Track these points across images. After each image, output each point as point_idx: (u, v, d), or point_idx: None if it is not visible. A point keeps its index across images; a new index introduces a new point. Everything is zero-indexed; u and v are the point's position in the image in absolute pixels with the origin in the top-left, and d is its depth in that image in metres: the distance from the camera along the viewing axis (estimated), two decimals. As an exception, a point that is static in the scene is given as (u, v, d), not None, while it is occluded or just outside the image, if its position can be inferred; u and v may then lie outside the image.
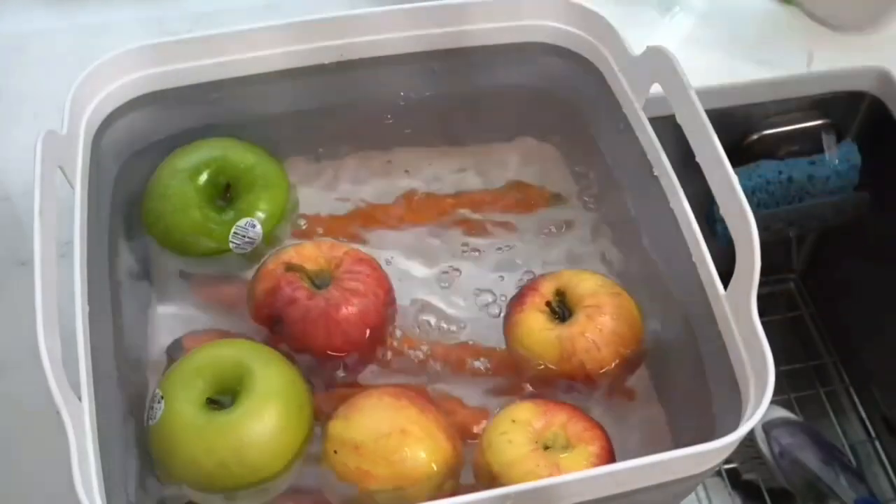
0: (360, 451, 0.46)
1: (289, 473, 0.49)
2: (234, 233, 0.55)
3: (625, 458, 0.41)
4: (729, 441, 0.41)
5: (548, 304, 0.53)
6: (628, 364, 0.52)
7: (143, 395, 0.54)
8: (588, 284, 0.53)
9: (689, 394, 0.52)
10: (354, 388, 0.53)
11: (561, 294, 0.53)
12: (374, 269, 0.54)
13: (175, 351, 0.54)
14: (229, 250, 0.55)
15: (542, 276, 0.55)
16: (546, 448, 0.47)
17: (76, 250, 0.47)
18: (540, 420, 0.48)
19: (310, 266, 0.53)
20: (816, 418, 0.86)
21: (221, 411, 0.47)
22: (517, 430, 0.48)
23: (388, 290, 0.54)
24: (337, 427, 0.48)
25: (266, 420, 0.47)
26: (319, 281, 0.53)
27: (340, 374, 0.53)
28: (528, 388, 0.53)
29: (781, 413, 0.80)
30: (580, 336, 0.51)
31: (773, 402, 0.43)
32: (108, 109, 0.55)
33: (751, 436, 0.78)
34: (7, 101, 0.69)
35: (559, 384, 0.52)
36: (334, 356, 0.52)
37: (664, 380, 0.55)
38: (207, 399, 0.48)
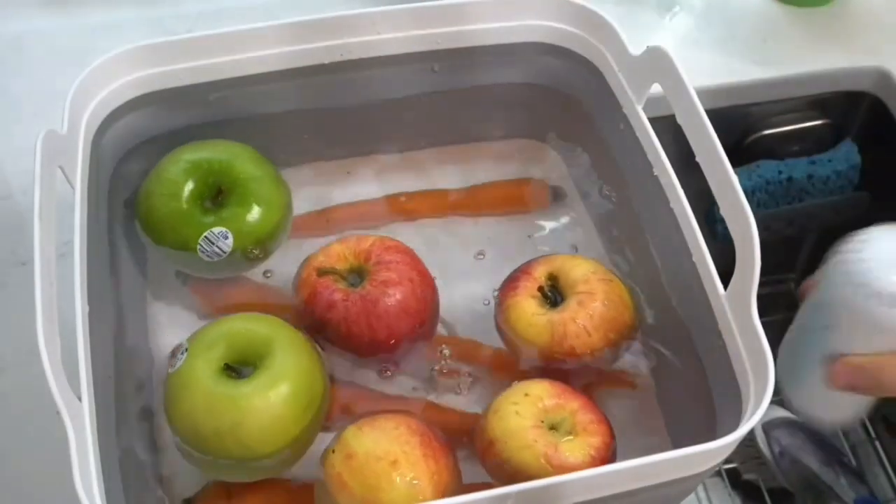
0: (348, 461, 0.47)
1: (283, 461, 0.49)
2: (206, 237, 0.54)
3: (624, 457, 0.41)
4: (729, 441, 0.41)
5: (540, 289, 0.53)
6: (618, 349, 0.53)
7: (144, 394, 0.54)
8: (581, 270, 0.53)
9: (689, 393, 0.52)
10: (396, 401, 0.54)
11: (553, 279, 0.54)
12: (404, 254, 0.54)
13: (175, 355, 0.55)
14: (195, 250, 0.54)
15: (536, 259, 0.55)
16: (551, 429, 0.48)
17: (76, 250, 0.46)
18: (552, 400, 0.49)
19: (341, 265, 0.53)
20: (816, 418, 0.86)
21: (233, 380, 0.48)
22: (528, 403, 0.49)
23: (424, 273, 0.54)
24: (350, 431, 0.48)
25: (271, 403, 0.47)
26: (353, 278, 0.53)
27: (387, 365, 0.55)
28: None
29: (781, 413, 0.80)
30: (571, 322, 0.51)
31: (773, 402, 0.43)
32: (108, 109, 0.55)
33: (751, 436, 0.78)
34: (7, 101, 0.69)
35: (554, 372, 0.52)
36: (387, 346, 0.52)
37: (664, 379, 0.55)
38: (225, 364, 0.48)
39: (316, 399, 0.49)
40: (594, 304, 0.52)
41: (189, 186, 0.55)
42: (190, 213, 0.54)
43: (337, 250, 0.54)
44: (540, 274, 0.54)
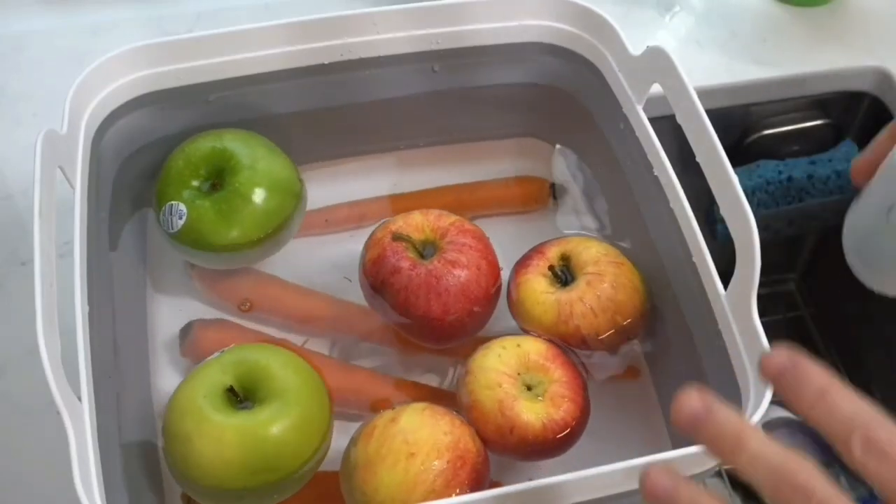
0: (389, 423, 0.48)
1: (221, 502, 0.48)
2: (170, 205, 0.54)
3: (624, 457, 0.41)
4: (729, 441, 0.41)
5: (551, 268, 0.54)
6: (625, 333, 0.53)
7: (144, 394, 0.54)
8: (592, 252, 0.54)
9: (689, 394, 0.52)
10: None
11: (566, 259, 0.55)
12: (478, 241, 0.54)
13: (185, 335, 0.55)
14: (160, 210, 0.55)
15: (550, 240, 0.56)
16: (525, 385, 0.50)
17: (76, 250, 0.46)
18: (539, 360, 0.50)
19: (416, 236, 0.54)
20: (817, 418, 0.86)
21: (221, 402, 0.48)
22: (514, 352, 0.50)
23: (493, 264, 0.54)
24: (417, 405, 0.49)
25: (219, 444, 0.46)
26: (425, 250, 0.53)
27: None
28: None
29: (781, 413, 0.80)
30: (578, 301, 0.52)
31: (773, 402, 0.43)
32: (108, 109, 0.55)
33: (751, 436, 0.78)
34: (7, 101, 0.69)
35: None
36: (439, 324, 0.53)
37: (664, 379, 0.55)
38: (230, 386, 0.48)
39: (275, 472, 0.47)
40: (602, 286, 0.52)
41: (204, 160, 0.55)
42: (183, 178, 0.55)
43: (416, 220, 0.54)
44: (553, 254, 0.55)
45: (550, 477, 0.40)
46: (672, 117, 0.51)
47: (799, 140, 0.77)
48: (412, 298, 0.52)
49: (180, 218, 0.54)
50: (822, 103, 0.76)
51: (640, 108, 0.55)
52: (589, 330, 0.52)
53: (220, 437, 0.46)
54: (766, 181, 0.75)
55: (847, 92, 0.75)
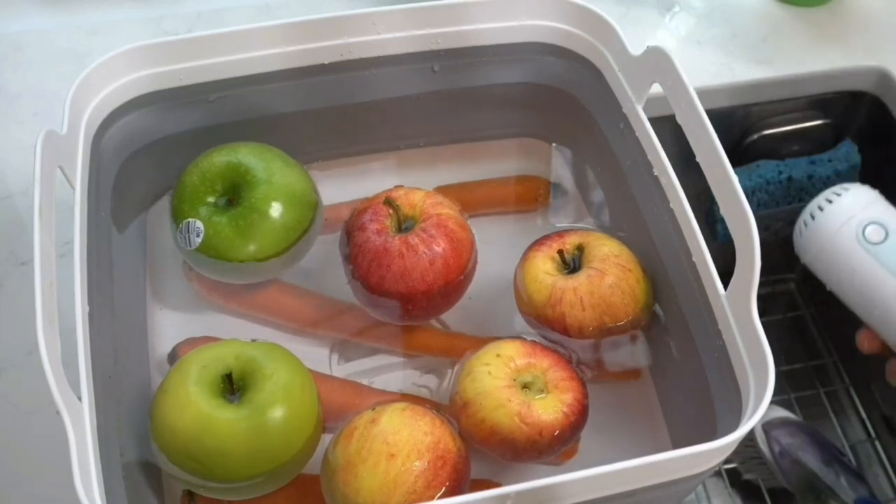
0: (370, 424, 0.48)
1: (182, 477, 0.49)
2: (187, 223, 0.54)
3: (624, 457, 0.41)
4: (729, 441, 0.41)
5: (560, 252, 0.54)
6: (609, 334, 0.53)
7: (144, 394, 0.54)
8: (605, 249, 0.54)
9: (689, 393, 0.52)
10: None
11: (580, 250, 0.55)
12: (449, 241, 0.53)
13: (172, 359, 0.55)
14: (177, 227, 0.55)
15: (573, 228, 0.57)
16: (523, 387, 0.50)
17: (76, 250, 0.47)
18: (523, 360, 0.51)
19: (406, 209, 0.54)
20: (816, 418, 0.86)
21: (209, 385, 0.48)
22: (499, 363, 0.50)
23: (453, 267, 0.53)
24: (398, 405, 0.49)
25: (176, 423, 0.47)
26: (405, 225, 0.54)
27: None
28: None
29: (781, 413, 0.80)
30: (571, 291, 0.52)
31: (773, 402, 0.43)
32: (108, 109, 0.55)
33: (751, 436, 0.78)
34: (7, 101, 0.69)
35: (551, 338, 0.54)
36: (373, 293, 0.54)
37: (664, 379, 0.55)
38: (228, 374, 0.48)
39: (211, 470, 0.47)
40: (600, 283, 0.52)
41: (219, 176, 0.55)
42: (199, 195, 0.54)
43: (415, 197, 0.55)
44: (571, 241, 0.55)
45: (550, 477, 0.40)
46: (672, 117, 0.51)
47: (799, 140, 0.77)
48: (359, 258, 0.53)
49: (198, 236, 0.54)
50: (822, 103, 0.76)
51: (640, 108, 0.55)
52: (573, 321, 0.52)
53: (182, 410, 0.47)
54: (766, 181, 0.75)
55: (847, 92, 0.75)
